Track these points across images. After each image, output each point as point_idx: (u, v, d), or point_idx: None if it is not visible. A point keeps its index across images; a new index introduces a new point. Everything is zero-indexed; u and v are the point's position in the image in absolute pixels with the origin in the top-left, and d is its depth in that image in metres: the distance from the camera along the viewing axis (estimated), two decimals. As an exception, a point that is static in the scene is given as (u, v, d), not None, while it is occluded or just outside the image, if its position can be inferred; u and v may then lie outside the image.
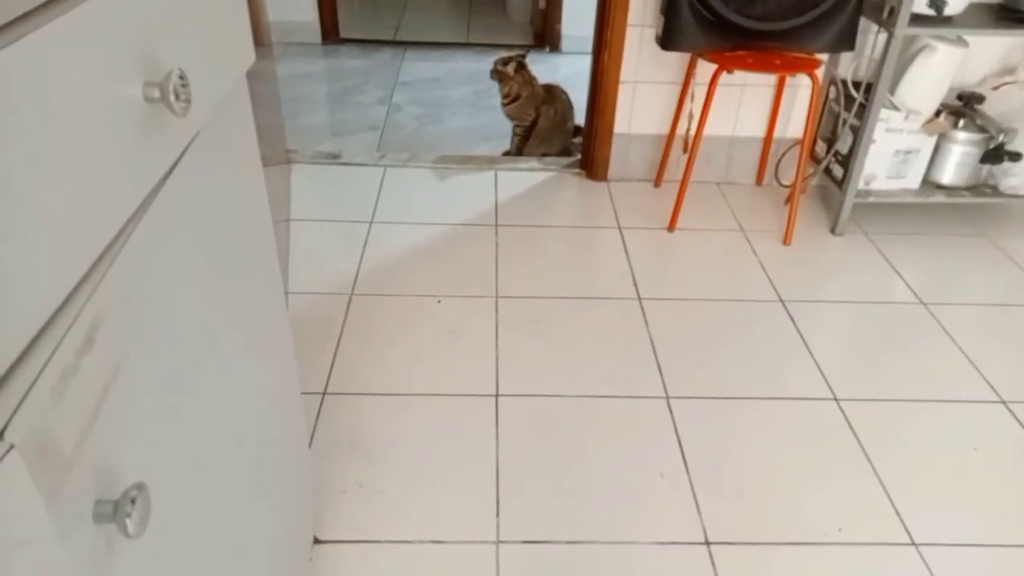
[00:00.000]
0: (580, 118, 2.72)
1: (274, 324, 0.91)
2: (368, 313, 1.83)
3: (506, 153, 2.76)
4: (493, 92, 3.10)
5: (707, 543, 1.23)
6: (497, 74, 2.61)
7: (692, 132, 2.40)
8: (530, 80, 2.64)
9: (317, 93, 3.23)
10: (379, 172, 2.51)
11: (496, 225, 2.22)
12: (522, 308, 1.87)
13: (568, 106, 2.73)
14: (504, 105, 2.66)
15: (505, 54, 2.62)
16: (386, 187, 2.43)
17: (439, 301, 1.87)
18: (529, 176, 2.56)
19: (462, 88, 3.39)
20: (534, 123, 2.67)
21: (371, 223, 2.20)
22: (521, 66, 2.59)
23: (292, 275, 1.95)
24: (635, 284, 1.98)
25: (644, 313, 1.86)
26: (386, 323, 1.81)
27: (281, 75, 3.29)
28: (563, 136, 2.71)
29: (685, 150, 2.46)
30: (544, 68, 3.45)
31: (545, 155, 2.70)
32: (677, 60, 2.36)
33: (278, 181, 2.21)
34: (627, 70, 2.38)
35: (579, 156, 2.66)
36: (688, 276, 2.04)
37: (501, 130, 2.93)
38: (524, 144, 2.70)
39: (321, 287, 1.92)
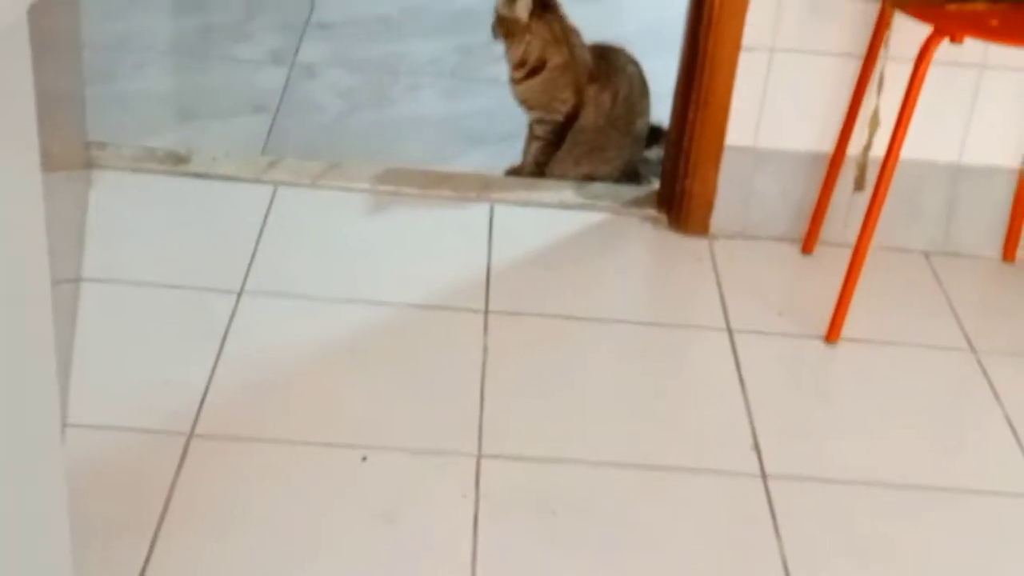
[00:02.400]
0: (660, 114, 2.75)
1: (28, 493, 0.95)
2: (219, 474, 1.84)
3: (513, 171, 2.80)
4: (492, 52, 3.05)
5: None
6: (501, 24, 2.64)
7: (878, 153, 2.35)
8: (564, 34, 2.65)
9: (155, 34, 3.23)
10: (263, 195, 2.56)
11: (486, 311, 2.28)
12: (527, 480, 1.90)
13: (639, 89, 2.75)
14: (516, 80, 2.70)
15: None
16: (275, 224, 2.47)
17: (364, 458, 1.91)
18: (557, 219, 2.61)
19: (434, 40, 3.37)
20: (572, 117, 2.70)
21: (240, 294, 2.25)
22: (546, 5, 2.64)
23: (78, 391, 1.95)
24: (756, 446, 2.02)
25: (772, 507, 1.89)
26: (252, 497, 1.81)
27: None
28: (627, 144, 2.74)
29: (861, 186, 2.48)
30: (594, 12, 3.26)
31: (590, 178, 2.73)
32: (854, 13, 2.39)
33: (64, 202, 2.21)
34: (756, 26, 2.41)
35: (656, 186, 2.71)
36: (863, 439, 2.05)
37: (506, 126, 2.93)
38: (550, 156, 2.74)
39: (133, 417, 1.93)
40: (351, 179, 2.69)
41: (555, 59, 2.68)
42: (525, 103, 2.76)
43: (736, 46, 2.45)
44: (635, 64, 2.78)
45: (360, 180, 2.69)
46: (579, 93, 2.72)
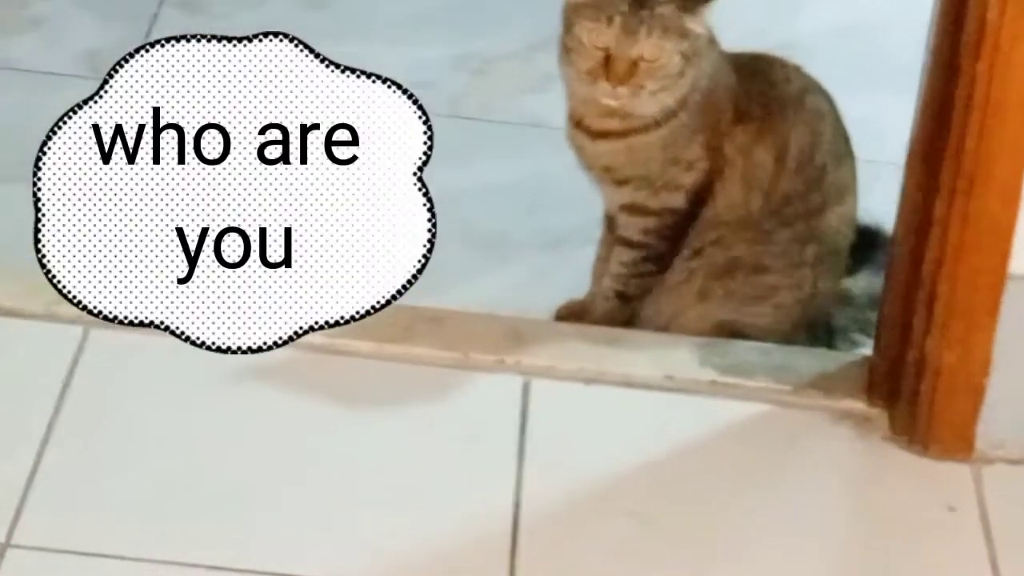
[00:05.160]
0: (873, 205, 2.21)
1: None
2: None
3: (571, 312, 2.21)
4: (532, 70, 2.71)
5: None
6: (615, 63, 1.99)
7: None
8: (687, 30, 2.02)
9: None
10: (65, 342, 2.07)
11: (510, 583, 2.01)
12: None
13: (831, 140, 2.13)
14: (596, 134, 2.03)
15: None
16: (80, 405, 1.98)
17: None
18: (661, 412, 2.10)
19: (420, 44, 2.86)
20: (699, 199, 2.11)
21: (5, 547, 1.81)
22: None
23: None
24: None
25: None
26: None
27: None
28: (806, 261, 2.16)
29: None
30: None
31: (731, 332, 2.14)
32: None
33: None
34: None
35: (867, 352, 2.16)
36: None
37: (560, 217, 2.45)
38: (649, 282, 2.15)
39: None
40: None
41: (684, 80, 1.94)
42: (609, 173, 1.96)
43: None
44: (822, 93, 2.03)
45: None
46: (713, 148, 2.01)
